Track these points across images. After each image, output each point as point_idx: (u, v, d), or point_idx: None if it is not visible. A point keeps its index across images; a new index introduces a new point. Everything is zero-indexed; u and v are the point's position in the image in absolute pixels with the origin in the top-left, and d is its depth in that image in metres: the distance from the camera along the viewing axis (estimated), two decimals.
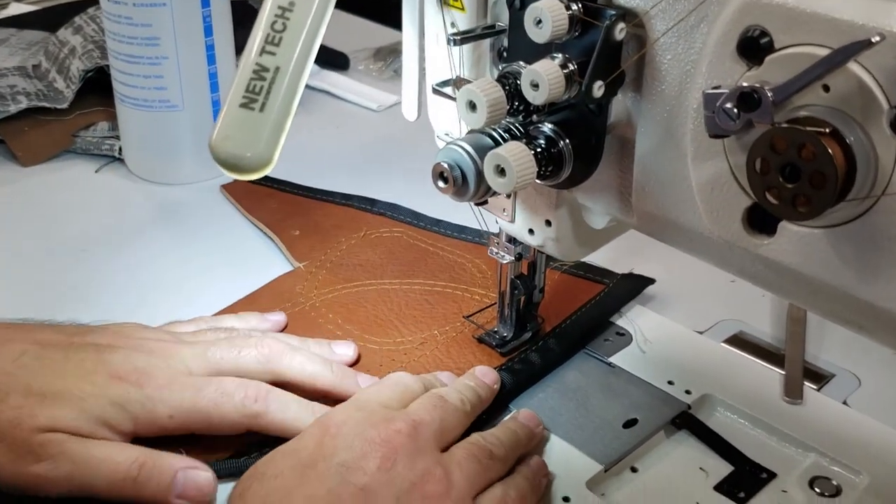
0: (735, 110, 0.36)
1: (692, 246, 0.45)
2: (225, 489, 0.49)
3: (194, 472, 0.49)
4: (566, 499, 0.52)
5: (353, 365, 0.60)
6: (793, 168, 0.35)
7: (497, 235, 0.58)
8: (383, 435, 0.46)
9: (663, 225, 0.45)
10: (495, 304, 0.64)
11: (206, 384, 0.52)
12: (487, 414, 0.56)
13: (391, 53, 1.07)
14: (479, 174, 0.46)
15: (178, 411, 0.51)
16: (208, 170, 0.85)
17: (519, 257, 0.58)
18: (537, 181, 0.46)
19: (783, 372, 0.61)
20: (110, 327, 0.56)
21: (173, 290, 0.70)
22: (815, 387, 0.60)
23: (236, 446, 0.54)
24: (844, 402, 0.60)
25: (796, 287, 0.41)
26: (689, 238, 0.44)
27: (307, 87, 1.03)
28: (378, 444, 0.45)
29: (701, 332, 0.66)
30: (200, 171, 0.85)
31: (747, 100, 0.35)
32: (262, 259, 0.74)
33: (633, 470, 0.55)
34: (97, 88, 0.91)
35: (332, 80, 1.05)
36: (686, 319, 0.67)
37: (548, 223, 0.52)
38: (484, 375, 0.57)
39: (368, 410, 0.49)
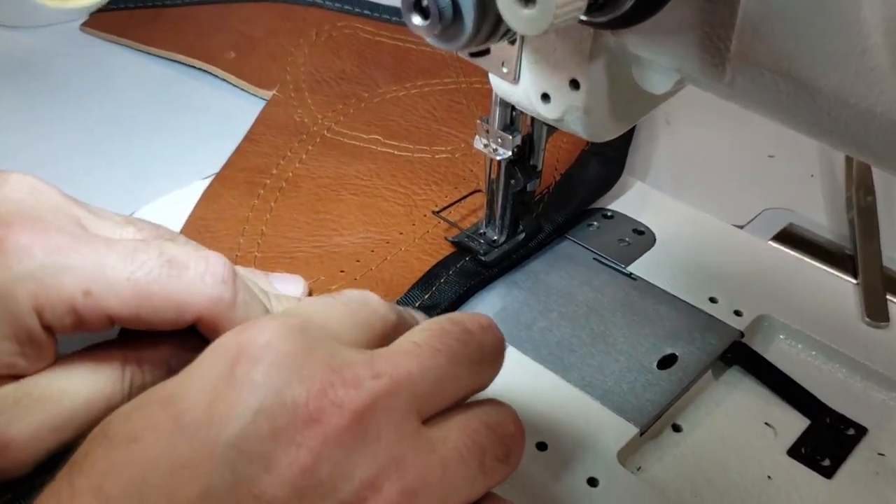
0: None
1: (821, 120, 0.28)
2: None
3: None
4: (592, 481, 0.36)
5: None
6: None
7: (486, 122, 0.41)
8: (313, 403, 0.27)
9: (781, 87, 0.28)
10: (474, 192, 0.47)
11: (142, 248, 0.33)
12: None
13: None
14: (481, 4, 0.28)
15: (100, 285, 0.32)
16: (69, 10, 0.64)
17: (518, 150, 0.41)
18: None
19: (856, 281, 0.46)
20: None
21: (32, 157, 0.53)
22: None
23: None
24: None
25: None
26: (826, 109, 0.27)
27: None
28: (302, 419, 0.26)
29: (740, 227, 0.50)
30: (59, 12, 0.64)
31: None
32: (143, 111, 0.58)
33: (676, 429, 0.40)
34: None
35: None
36: (719, 211, 0.51)
37: (574, 84, 0.34)
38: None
39: (309, 338, 0.29)
